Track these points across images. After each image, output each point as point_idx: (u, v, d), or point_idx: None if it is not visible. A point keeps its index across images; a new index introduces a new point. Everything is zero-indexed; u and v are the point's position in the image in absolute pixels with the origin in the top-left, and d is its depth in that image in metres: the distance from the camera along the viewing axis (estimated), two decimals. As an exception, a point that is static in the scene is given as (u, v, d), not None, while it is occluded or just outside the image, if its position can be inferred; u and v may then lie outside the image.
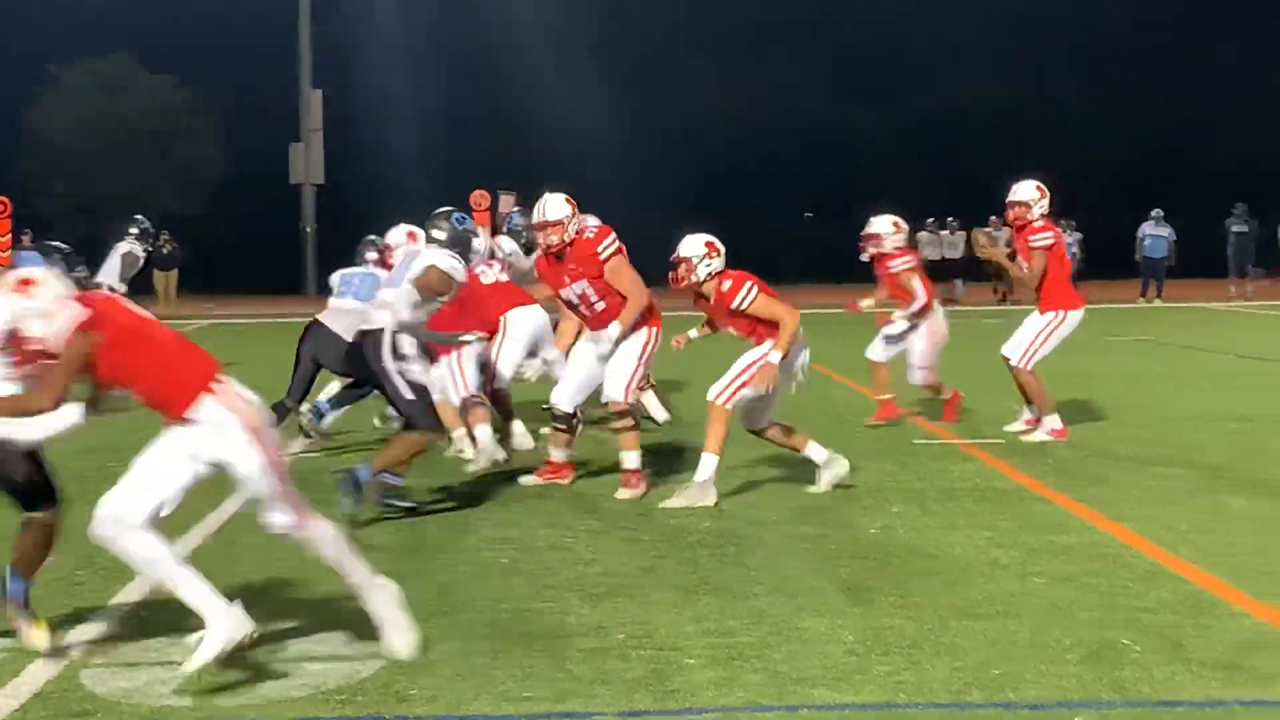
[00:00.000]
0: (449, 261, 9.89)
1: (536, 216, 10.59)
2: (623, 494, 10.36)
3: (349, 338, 12.50)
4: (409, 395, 9.66)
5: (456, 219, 10.08)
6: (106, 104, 52.08)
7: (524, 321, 11.95)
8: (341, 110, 49.69)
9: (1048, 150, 55.29)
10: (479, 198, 32.93)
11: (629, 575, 7.96)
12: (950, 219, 40.26)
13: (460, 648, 6.58)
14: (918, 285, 13.59)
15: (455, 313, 11.21)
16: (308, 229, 48.16)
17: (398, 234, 12.43)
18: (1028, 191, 12.92)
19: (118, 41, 50.96)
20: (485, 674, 6.20)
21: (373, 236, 13.68)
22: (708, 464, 9.94)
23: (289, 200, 48.52)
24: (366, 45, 54.26)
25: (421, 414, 9.69)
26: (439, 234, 9.91)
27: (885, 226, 13.86)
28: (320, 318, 12.77)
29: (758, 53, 57.92)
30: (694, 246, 10.23)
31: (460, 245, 9.91)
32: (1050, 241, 12.76)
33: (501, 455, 11.58)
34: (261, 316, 36.09)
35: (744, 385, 9.92)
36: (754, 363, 9.92)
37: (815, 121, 56.15)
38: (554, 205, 10.53)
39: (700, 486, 9.92)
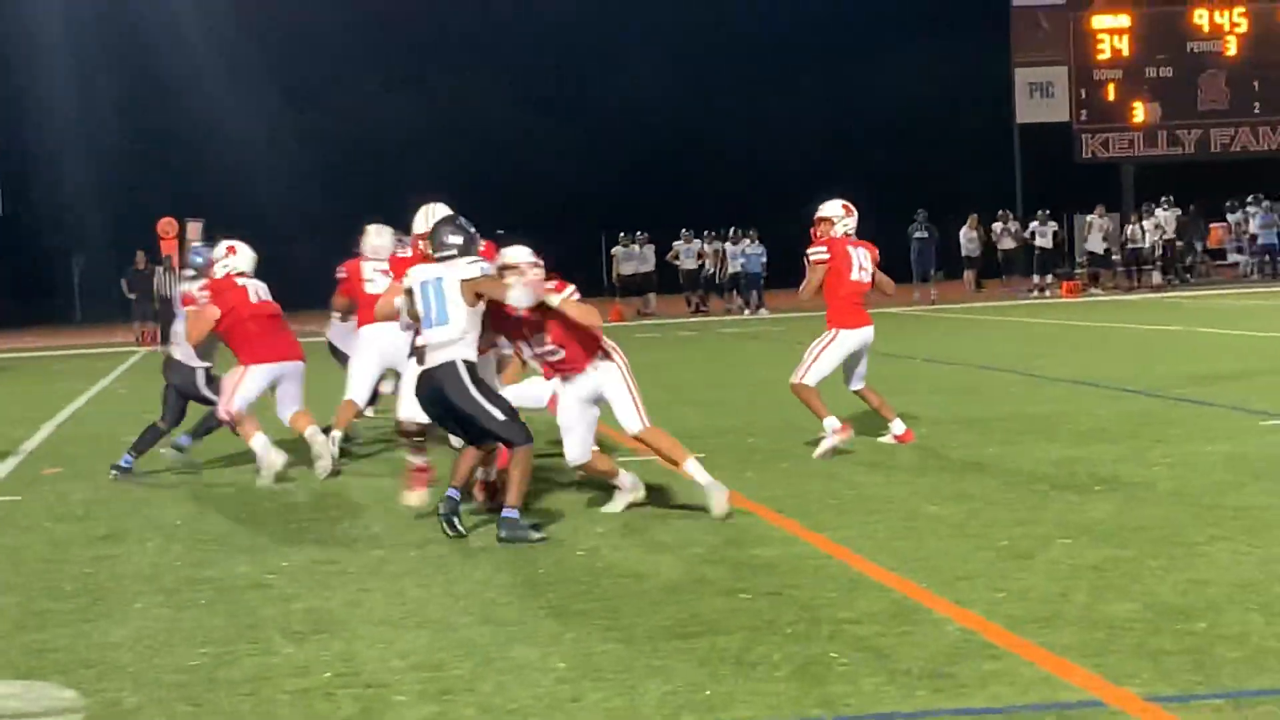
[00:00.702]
0: (474, 270, 9.77)
1: (424, 226, 10.88)
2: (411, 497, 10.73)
3: None
4: (501, 416, 9.52)
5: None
6: None
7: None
8: (16, 139, 48.31)
9: (731, 159, 56.36)
10: (166, 225, 32.20)
11: (334, 611, 7.79)
12: (640, 233, 40.77)
13: (158, 695, 6.34)
14: None
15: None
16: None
17: (220, 249, 12.63)
18: (832, 209, 13.17)
19: None
20: (187, 724, 6.01)
21: (196, 242, 13.87)
22: (693, 469, 9.95)
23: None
24: (39, 71, 52.79)
25: (517, 430, 9.53)
26: (454, 239, 9.77)
27: (523, 256, 13.40)
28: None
29: (432, 66, 57.89)
30: (519, 254, 10.13)
31: (470, 248, 9.82)
32: (823, 257, 12.92)
33: (282, 459, 11.95)
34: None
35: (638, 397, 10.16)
36: (626, 381, 10.08)
37: (499, 134, 56.28)
38: (443, 215, 10.73)
39: (710, 485, 9.85)
